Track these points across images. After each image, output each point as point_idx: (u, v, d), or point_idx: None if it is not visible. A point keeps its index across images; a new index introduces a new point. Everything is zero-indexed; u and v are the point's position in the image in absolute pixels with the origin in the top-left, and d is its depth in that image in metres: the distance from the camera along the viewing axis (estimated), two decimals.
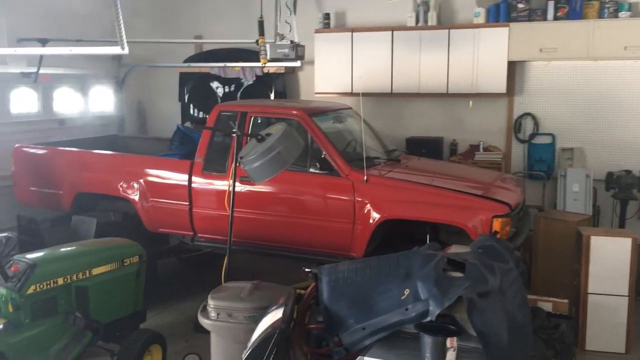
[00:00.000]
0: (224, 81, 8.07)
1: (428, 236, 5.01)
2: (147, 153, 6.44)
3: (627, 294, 4.91)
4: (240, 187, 5.24)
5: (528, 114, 7.08)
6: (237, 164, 4.48)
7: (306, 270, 3.58)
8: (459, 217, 4.71)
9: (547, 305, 4.74)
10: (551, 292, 5.33)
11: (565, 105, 6.94)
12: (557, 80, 6.93)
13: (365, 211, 4.96)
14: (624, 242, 4.91)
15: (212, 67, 7.88)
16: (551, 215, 5.80)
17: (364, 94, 7.33)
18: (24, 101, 6.76)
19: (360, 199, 4.98)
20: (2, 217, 6.22)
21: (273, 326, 3.20)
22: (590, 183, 6.64)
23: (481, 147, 7.21)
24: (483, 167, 6.78)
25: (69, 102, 7.42)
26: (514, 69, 7.02)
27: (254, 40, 5.56)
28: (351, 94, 7.42)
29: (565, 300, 4.80)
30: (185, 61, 8.14)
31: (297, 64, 7.25)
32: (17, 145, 6.19)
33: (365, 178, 4.96)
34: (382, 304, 3.07)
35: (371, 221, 4.93)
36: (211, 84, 8.15)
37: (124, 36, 4.37)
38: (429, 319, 2.85)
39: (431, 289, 2.91)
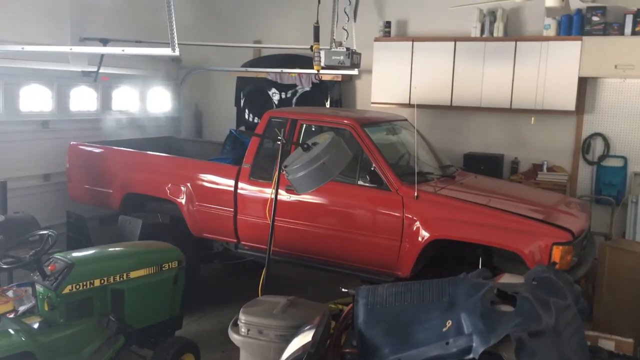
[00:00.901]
0: (280, 87, 7.97)
1: (480, 260, 4.73)
2: (200, 156, 6.40)
3: None
4: (285, 197, 5.09)
5: (598, 134, 6.61)
6: (281, 173, 4.32)
7: (343, 290, 3.36)
8: (515, 241, 4.38)
9: (609, 344, 4.33)
10: (615, 329, 4.90)
11: (639, 126, 6.44)
12: (633, 99, 6.44)
13: (414, 229, 4.69)
14: None
15: (268, 72, 7.80)
16: (619, 244, 5.35)
17: (422, 106, 7.11)
18: (83, 99, 6.86)
19: (409, 216, 4.73)
20: (55, 213, 6.33)
21: (303, 348, 3.01)
22: None
23: (545, 166, 6.80)
24: (546, 189, 6.37)
25: (127, 102, 7.51)
26: (585, 85, 6.58)
27: (309, 46, 5.40)
28: (408, 105, 7.15)
29: (630, 340, 4.37)
30: (243, 66, 8.10)
31: (354, 72, 7.08)
32: (72, 142, 6.28)
33: (415, 194, 4.70)
34: (421, 335, 2.81)
35: (420, 240, 4.66)
36: (267, 89, 8.07)
37: (176, 38, 4.30)
38: (471, 356, 2.58)
39: (476, 323, 2.64)
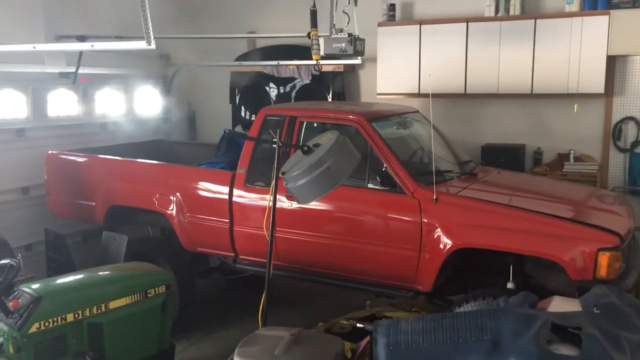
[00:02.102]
0: (278, 81, 7.36)
1: (511, 269, 4.13)
2: (194, 160, 5.82)
3: None
4: (286, 204, 4.51)
5: (631, 117, 5.98)
6: (279, 180, 3.73)
7: (357, 325, 2.77)
8: (553, 248, 3.78)
9: None
10: None
11: None
12: None
13: (435, 237, 4.10)
14: None
15: (264, 65, 7.19)
16: None
17: (433, 95, 6.47)
18: (62, 103, 6.26)
19: (428, 222, 4.13)
20: (35, 229, 5.76)
21: None
22: None
23: (572, 156, 6.17)
24: (574, 181, 5.76)
25: (112, 104, 6.91)
26: (614, 65, 5.95)
27: (306, 34, 4.79)
28: (418, 95, 6.55)
29: None
30: (237, 60, 7.49)
31: (357, 61, 6.46)
32: (50, 151, 5.70)
33: (434, 196, 4.10)
34: None
35: (442, 249, 4.06)
36: (264, 84, 7.46)
37: (150, 29, 3.70)
38: None
39: None
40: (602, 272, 3.68)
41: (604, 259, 3.68)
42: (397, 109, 5.25)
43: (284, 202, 4.54)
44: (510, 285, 4.15)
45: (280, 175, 3.58)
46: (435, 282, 4.17)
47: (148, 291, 3.81)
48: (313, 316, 5.13)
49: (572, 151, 6.17)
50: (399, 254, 4.24)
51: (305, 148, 3.57)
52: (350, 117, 4.55)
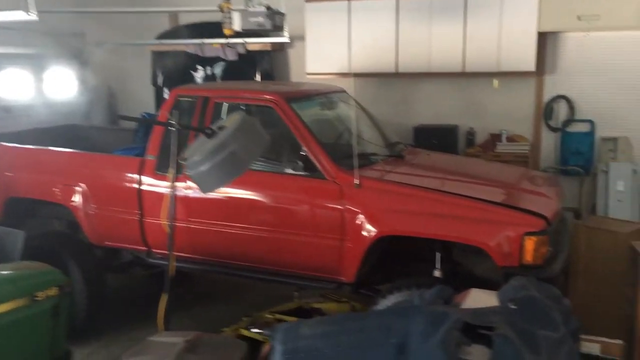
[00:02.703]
0: (203, 61, 6.93)
1: (438, 258, 3.92)
2: (110, 146, 5.35)
3: None
4: (195, 193, 4.15)
5: (562, 96, 5.87)
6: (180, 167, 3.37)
7: (253, 330, 2.47)
8: (477, 234, 3.57)
9: (594, 347, 3.60)
10: (596, 326, 4.19)
11: (607, 86, 5.72)
12: (599, 55, 5.71)
13: (358, 224, 3.83)
14: None
15: (187, 44, 6.74)
16: (595, 224, 4.61)
17: (364, 75, 6.22)
18: None
19: (350, 208, 3.86)
20: None
21: None
22: (638, 180, 5.46)
23: (504, 136, 6.03)
24: (506, 162, 5.62)
25: (18, 86, 6.32)
26: (545, 42, 5.82)
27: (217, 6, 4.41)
28: (349, 74, 6.26)
29: (619, 342, 3.64)
30: (158, 38, 7.01)
31: (285, 39, 6.13)
32: None
33: (356, 181, 3.83)
34: None
35: (365, 237, 3.80)
36: (188, 64, 7.01)
37: None
38: None
39: None
40: (528, 257, 3.51)
41: (530, 243, 3.49)
42: (320, 89, 4.94)
43: (191, 191, 4.18)
44: (437, 273, 3.93)
45: (180, 160, 3.22)
46: (359, 273, 3.91)
47: (36, 294, 3.38)
48: (241, 310, 4.83)
49: (504, 131, 6.03)
50: (319, 244, 3.96)
51: (208, 131, 3.22)
52: (267, 97, 4.21)
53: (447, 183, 4.12)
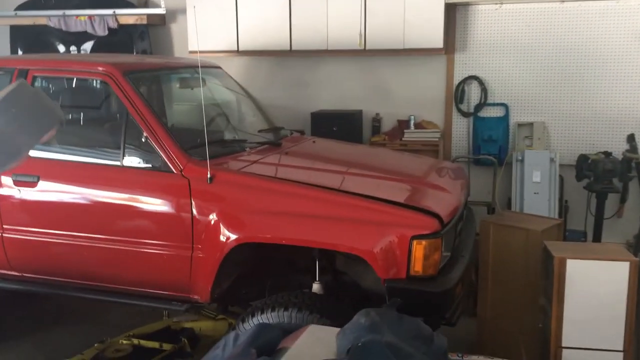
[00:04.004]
0: (68, 37, 5.91)
1: (318, 267, 3.17)
2: None
3: (621, 349, 3.14)
4: (14, 191, 3.24)
5: (474, 77, 5.26)
6: None
7: None
8: (353, 239, 2.83)
9: None
10: (506, 338, 3.58)
11: (523, 65, 5.14)
12: (512, 30, 5.11)
13: (210, 229, 3.02)
14: (618, 268, 3.13)
15: (48, 16, 5.72)
16: (505, 220, 3.97)
17: (253, 53, 5.42)
18: None
19: (201, 209, 3.04)
20: None
21: None
22: (555, 170, 4.93)
23: (412, 122, 5.36)
24: (414, 151, 4.96)
25: None
26: (454, 15, 5.17)
27: None
28: (238, 52, 5.45)
29: None
30: (17, 9, 5.96)
31: (161, 10, 5.24)
32: None
33: (209, 174, 3.02)
34: None
35: (219, 245, 3.00)
36: (52, 40, 5.99)
37: None
38: None
39: None
40: (418, 266, 2.80)
41: (419, 249, 2.78)
42: (182, 62, 4.10)
43: (11, 189, 3.27)
44: (316, 287, 3.19)
45: None
46: (215, 290, 3.11)
47: None
48: (102, 332, 3.94)
49: (412, 117, 5.36)
50: (165, 255, 3.13)
51: None
52: (100, 69, 3.32)
53: (326, 176, 3.36)
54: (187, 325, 4.06)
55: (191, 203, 3.05)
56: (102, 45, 5.84)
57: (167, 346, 3.76)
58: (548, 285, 3.27)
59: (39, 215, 3.30)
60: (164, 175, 3.11)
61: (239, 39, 5.41)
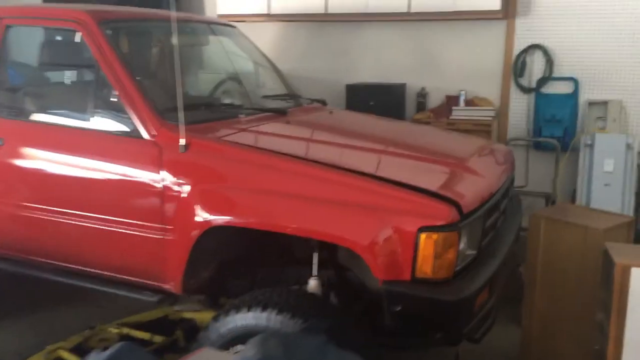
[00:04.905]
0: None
1: (316, 260, 2.60)
2: None
3: None
4: None
5: (537, 45, 4.48)
6: None
7: None
8: (341, 226, 2.24)
9: None
10: (554, 343, 2.90)
11: (597, 33, 4.33)
12: None
13: (181, 207, 2.52)
14: None
15: None
16: (561, 214, 3.22)
17: (286, 17, 4.90)
18: None
19: (172, 182, 2.54)
20: None
21: None
22: (633, 158, 4.14)
23: (462, 99, 4.66)
24: (464, 131, 4.26)
25: None
26: None
27: None
28: (268, 15, 4.93)
29: None
30: None
31: None
32: None
33: (182, 141, 2.51)
34: None
35: (190, 226, 2.49)
36: None
37: None
38: None
39: None
40: (426, 267, 2.17)
41: (428, 245, 2.15)
42: (181, 16, 3.58)
43: None
44: (312, 283, 2.62)
45: None
46: (187, 279, 2.60)
47: None
48: (108, 315, 3.58)
49: (463, 92, 4.66)
50: (133, 235, 2.66)
51: None
52: (72, 15, 2.86)
53: (325, 149, 2.77)
54: (188, 315, 3.62)
55: (161, 175, 2.55)
56: None
57: (158, 338, 3.34)
58: (607, 297, 2.57)
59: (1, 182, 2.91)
60: (133, 142, 2.63)
61: (270, 1, 4.90)
